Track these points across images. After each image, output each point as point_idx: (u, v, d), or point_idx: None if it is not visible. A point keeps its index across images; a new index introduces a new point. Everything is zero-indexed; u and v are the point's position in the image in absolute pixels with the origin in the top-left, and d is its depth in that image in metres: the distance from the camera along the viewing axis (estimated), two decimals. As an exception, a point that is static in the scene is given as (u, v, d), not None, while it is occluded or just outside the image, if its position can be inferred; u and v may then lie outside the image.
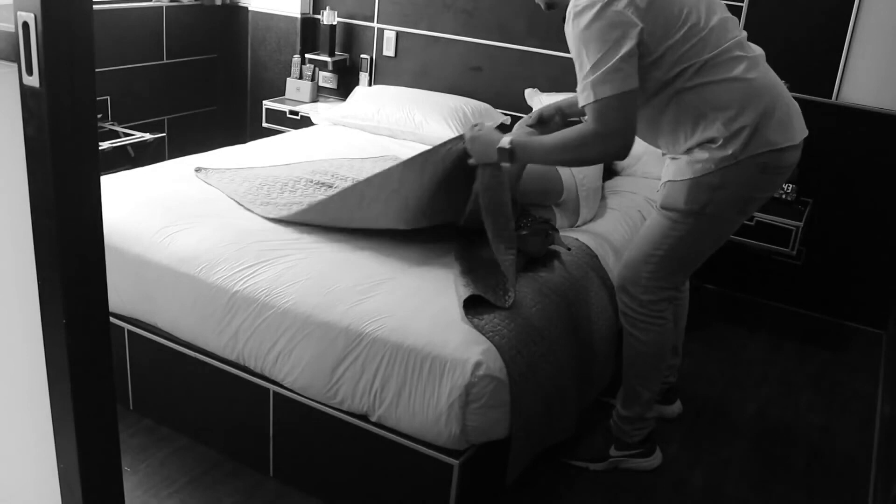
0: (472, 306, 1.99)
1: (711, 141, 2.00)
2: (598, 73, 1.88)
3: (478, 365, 1.83)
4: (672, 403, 2.65)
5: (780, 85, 2.07)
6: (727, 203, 2.06)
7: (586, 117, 1.97)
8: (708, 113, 1.99)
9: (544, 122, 2.39)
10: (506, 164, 2.13)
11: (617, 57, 1.87)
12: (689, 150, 2.05)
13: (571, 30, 1.96)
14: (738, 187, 2.04)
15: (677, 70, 1.98)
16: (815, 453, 2.58)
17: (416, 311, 1.99)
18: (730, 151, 1.99)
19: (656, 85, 2.01)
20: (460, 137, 2.22)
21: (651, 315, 2.18)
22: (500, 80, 3.88)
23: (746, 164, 2.00)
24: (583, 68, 1.93)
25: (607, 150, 1.99)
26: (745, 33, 2.07)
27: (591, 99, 1.91)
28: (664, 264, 2.13)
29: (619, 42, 1.88)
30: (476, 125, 2.24)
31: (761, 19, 3.20)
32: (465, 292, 2.02)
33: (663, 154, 2.19)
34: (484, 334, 1.91)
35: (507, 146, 2.07)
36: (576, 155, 2.03)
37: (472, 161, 2.18)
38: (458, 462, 1.90)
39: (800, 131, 2.08)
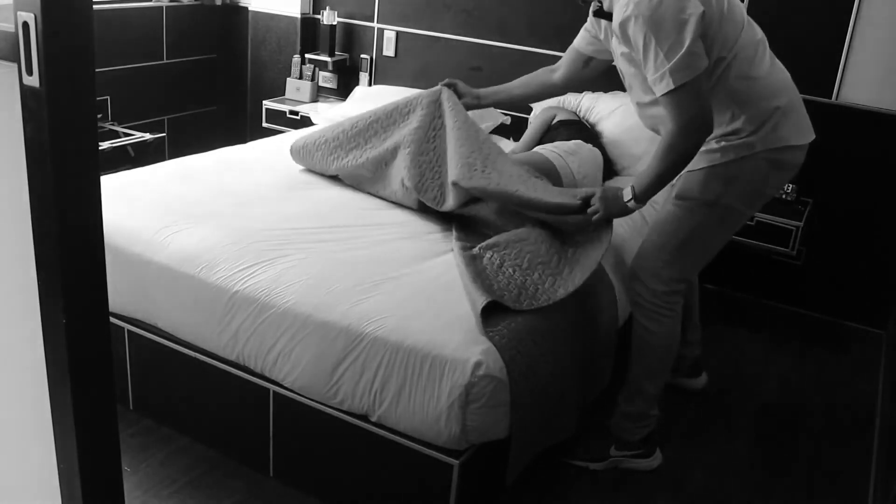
0: (486, 316, 1.97)
1: (734, 133, 2.06)
2: (675, 59, 1.89)
3: (478, 365, 1.83)
4: (698, 376, 2.71)
5: (794, 86, 2.16)
6: (738, 195, 2.12)
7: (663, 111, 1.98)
8: (735, 106, 2.06)
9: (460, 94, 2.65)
10: (638, 207, 2.11)
11: (689, 40, 1.88)
12: (707, 141, 2.08)
13: (636, 15, 1.92)
14: (748, 180, 2.10)
15: (715, 58, 2.01)
16: (815, 453, 2.58)
17: (416, 311, 1.99)
18: (748, 142, 2.06)
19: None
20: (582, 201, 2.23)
21: (663, 306, 2.21)
22: (500, 80, 3.82)
23: (759, 159, 2.08)
24: (657, 56, 1.91)
25: (700, 135, 1.98)
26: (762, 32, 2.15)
27: (671, 87, 1.91)
28: (678, 255, 2.17)
29: (688, 23, 1.89)
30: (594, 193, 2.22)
31: (761, 19, 3.18)
32: (483, 299, 1.98)
33: None
34: (484, 334, 1.91)
35: (632, 193, 2.07)
36: (678, 156, 2.00)
37: (598, 217, 2.16)
38: (458, 462, 1.90)
39: (809, 133, 2.16)
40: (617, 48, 2.13)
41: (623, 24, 1.96)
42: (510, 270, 2.16)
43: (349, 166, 2.82)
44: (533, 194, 2.33)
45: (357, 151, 2.82)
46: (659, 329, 2.23)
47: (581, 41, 2.43)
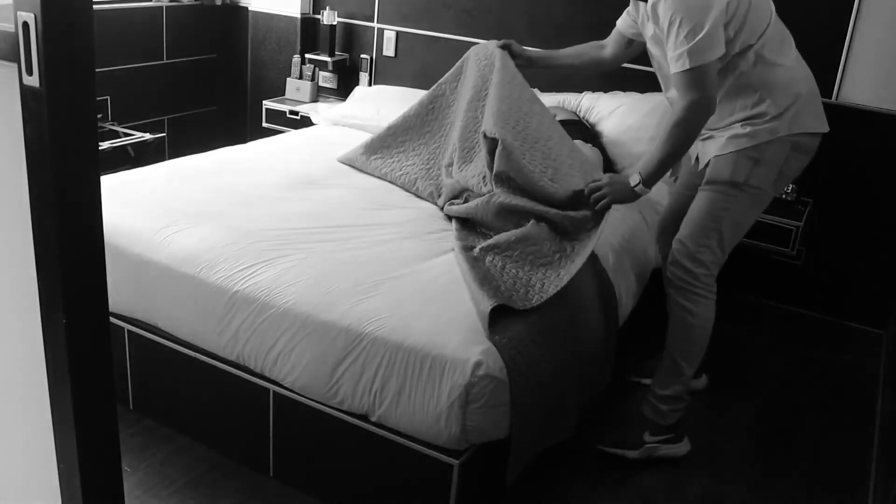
0: (493, 321, 1.97)
1: (759, 116, 2.20)
2: (695, 41, 2.03)
3: (478, 365, 1.83)
4: (699, 377, 2.75)
5: (814, 79, 2.30)
6: (764, 176, 2.25)
7: (673, 90, 2.16)
8: (763, 90, 2.20)
9: (514, 55, 2.71)
10: (646, 191, 2.25)
11: (710, 25, 2.03)
12: (732, 124, 2.24)
13: None
14: (772, 162, 2.23)
15: (743, 45, 2.15)
16: (815, 453, 2.58)
17: (416, 311, 1.99)
18: (772, 126, 2.20)
19: (726, 57, 2.16)
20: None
21: (703, 287, 2.31)
22: (500, 80, 3.88)
23: (781, 142, 2.22)
24: (678, 36, 2.06)
25: (703, 116, 2.13)
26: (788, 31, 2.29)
27: (686, 67, 2.06)
28: (715, 237, 2.28)
29: (713, 9, 2.03)
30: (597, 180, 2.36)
31: (761, 19, 3.20)
32: (491, 303, 1.97)
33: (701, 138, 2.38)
34: (489, 338, 1.91)
35: (639, 178, 2.22)
36: (682, 135, 2.14)
37: (604, 203, 2.29)
38: (458, 462, 1.90)
39: (825, 123, 2.30)
40: (649, 30, 2.27)
41: (654, 5, 2.13)
42: (514, 271, 2.17)
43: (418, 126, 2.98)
44: (548, 186, 2.37)
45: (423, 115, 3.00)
46: (699, 310, 2.32)
47: (623, 23, 2.55)
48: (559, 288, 2.10)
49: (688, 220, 2.33)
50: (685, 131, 2.15)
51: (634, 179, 2.23)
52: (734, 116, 2.24)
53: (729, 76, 2.22)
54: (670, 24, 2.08)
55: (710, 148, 2.30)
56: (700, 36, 2.03)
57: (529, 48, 2.79)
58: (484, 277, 2.12)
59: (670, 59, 2.11)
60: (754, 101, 2.21)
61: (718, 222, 2.26)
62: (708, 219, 2.27)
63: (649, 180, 2.22)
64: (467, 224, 2.52)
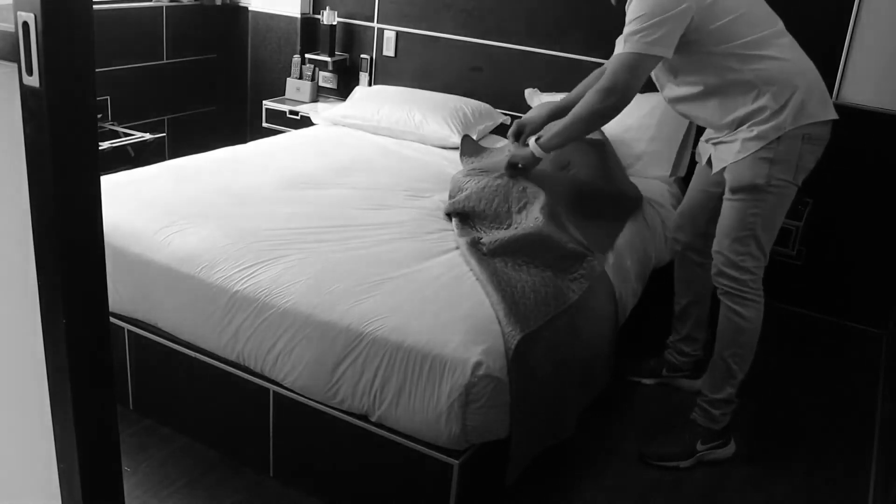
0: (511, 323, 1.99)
1: (760, 111, 2.22)
2: (643, 31, 2.14)
3: (478, 365, 1.83)
4: (698, 378, 2.75)
5: (816, 69, 2.30)
6: (783, 172, 2.26)
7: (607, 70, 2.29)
8: (761, 83, 2.21)
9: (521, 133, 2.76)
10: (538, 151, 2.47)
11: (658, 21, 2.13)
12: (737, 127, 2.27)
13: None
14: (788, 158, 2.24)
15: (732, 43, 2.21)
16: (815, 453, 2.58)
17: (416, 311, 1.99)
18: (778, 122, 2.20)
19: (709, 55, 2.24)
20: None
21: (752, 291, 2.34)
22: (500, 80, 3.88)
23: (792, 136, 2.22)
24: (633, 21, 2.17)
25: (614, 105, 2.27)
26: (781, 23, 2.34)
27: (621, 50, 2.19)
28: (753, 242, 2.30)
29: (674, 11, 2.13)
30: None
31: (761, 19, 3.19)
32: (517, 333, 1.94)
33: (706, 140, 2.44)
34: (482, 334, 1.91)
35: (535, 140, 2.48)
36: (587, 115, 2.31)
37: (510, 161, 2.59)
38: (458, 462, 1.91)
39: (832, 110, 2.30)
40: None
41: (626, 4, 2.24)
42: (527, 267, 2.22)
43: None
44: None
45: None
46: (749, 314, 2.34)
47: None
48: (566, 305, 2.14)
49: (721, 231, 2.35)
50: (590, 112, 2.30)
51: (533, 143, 2.48)
52: (736, 113, 2.25)
53: (719, 74, 2.24)
54: (631, 10, 2.19)
55: (725, 154, 2.31)
56: (648, 25, 2.12)
57: (549, 100, 2.85)
58: (499, 279, 2.13)
59: (618, 40, 2.21)
60: (753, 96, 2.22)
61: (752, 228, 2.28)
62: (740, 227, 2.29)
63: (546, 143, 2.46)
64: (467, 221, 2.53)
